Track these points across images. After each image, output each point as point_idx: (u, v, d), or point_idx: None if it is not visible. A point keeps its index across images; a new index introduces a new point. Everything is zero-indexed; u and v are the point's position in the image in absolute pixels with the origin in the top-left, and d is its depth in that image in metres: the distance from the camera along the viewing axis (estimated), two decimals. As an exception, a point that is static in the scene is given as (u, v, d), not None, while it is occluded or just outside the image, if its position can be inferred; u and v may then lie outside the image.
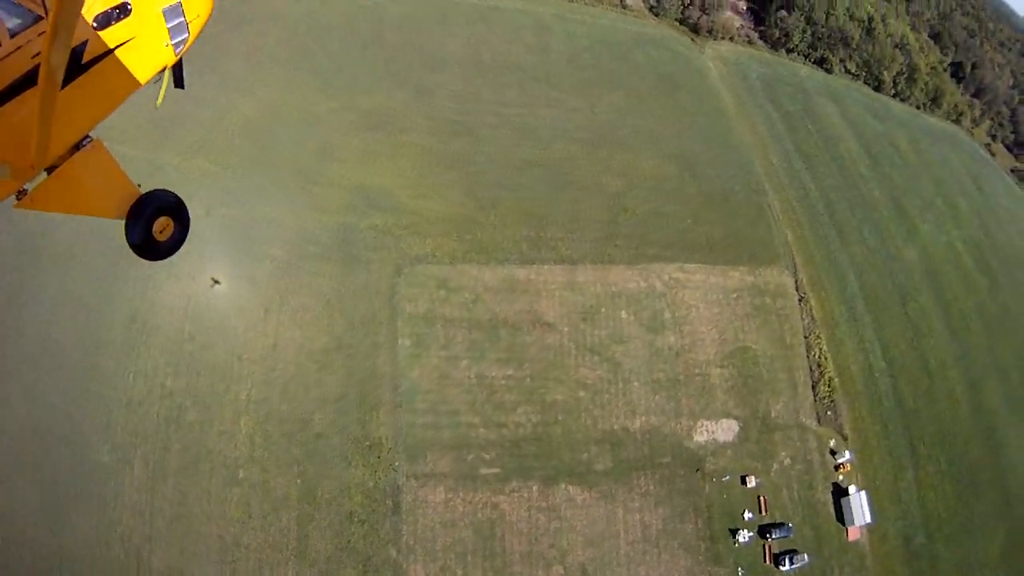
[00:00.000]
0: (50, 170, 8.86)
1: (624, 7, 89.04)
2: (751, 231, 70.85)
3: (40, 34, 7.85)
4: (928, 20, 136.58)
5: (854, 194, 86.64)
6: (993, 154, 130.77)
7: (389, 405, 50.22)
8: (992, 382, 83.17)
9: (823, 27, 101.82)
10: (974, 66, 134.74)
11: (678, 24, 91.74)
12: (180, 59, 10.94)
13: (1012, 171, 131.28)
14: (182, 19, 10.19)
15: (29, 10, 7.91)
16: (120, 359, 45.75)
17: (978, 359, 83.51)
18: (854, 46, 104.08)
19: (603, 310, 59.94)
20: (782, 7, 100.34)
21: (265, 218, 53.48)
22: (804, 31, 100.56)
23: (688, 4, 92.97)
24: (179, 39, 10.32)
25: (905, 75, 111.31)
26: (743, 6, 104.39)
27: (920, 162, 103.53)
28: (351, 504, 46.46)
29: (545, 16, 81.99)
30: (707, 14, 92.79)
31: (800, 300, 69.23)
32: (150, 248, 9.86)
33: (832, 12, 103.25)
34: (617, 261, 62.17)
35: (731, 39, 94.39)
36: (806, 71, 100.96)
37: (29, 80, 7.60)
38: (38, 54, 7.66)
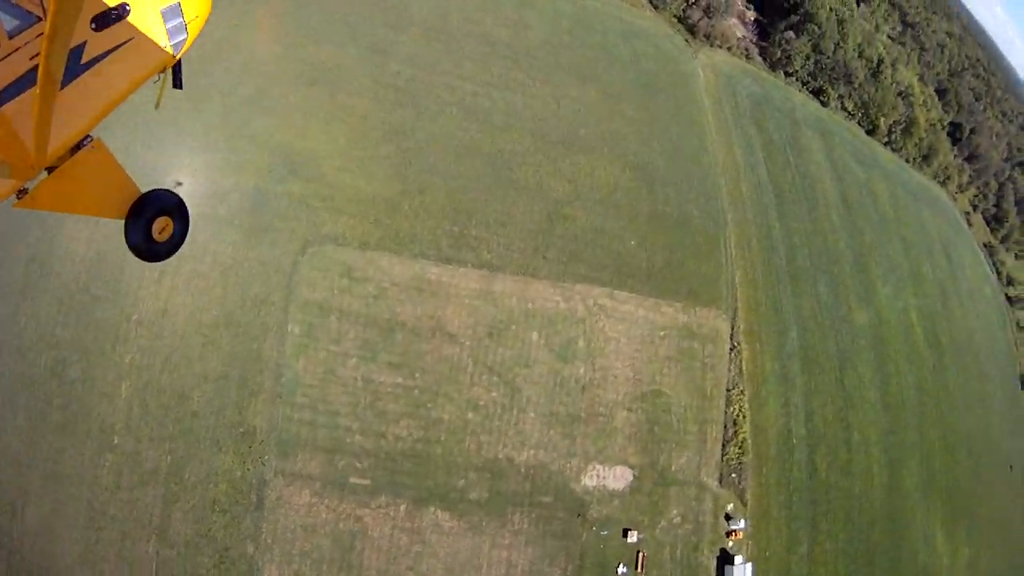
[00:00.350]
0: (50, 169, 8.68)
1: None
2: (698, 265, 64.36)
3: (39, 35, 7.65)
4: (937, 73, 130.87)
5: (819, 242, 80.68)
6: (971, 224, 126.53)
7: (268, 394, 45.17)
8: (913, 464, 79.75)
9: (828, 58, 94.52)
10: (972, 131, 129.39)
11: (676, 21, 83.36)
12: (179, 60, 10.69)
13: (985, 245, 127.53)
14: (181, 20, 9.98)
15: (28, 11, 7.78)
16: (16, 301, 41.76)
17: (904, 438, 79.84)
18: (856, 85, 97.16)
19: (513, 328, 53.26)
20: (791, 27, 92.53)
21: (179, 167, 46.84)
22: (808, 58, 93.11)
23: (692, 3, 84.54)
24: (178, 40, 10.09)
25: (902, 126, 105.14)
26: (751, 16, 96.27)
27: (895, 219, 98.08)
28: (216, 491, 42.90)
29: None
30: (709, 17, 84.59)
31: (732, 350, 63.37)
32: (149, 248, 9.78)
33: (842, 45, 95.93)
34: (542, 275, 55.23)
35: (729, 49, 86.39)
36: (800, 99, 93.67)
37: (29, 80, 7.50)
38: (37, 55, 7.40)
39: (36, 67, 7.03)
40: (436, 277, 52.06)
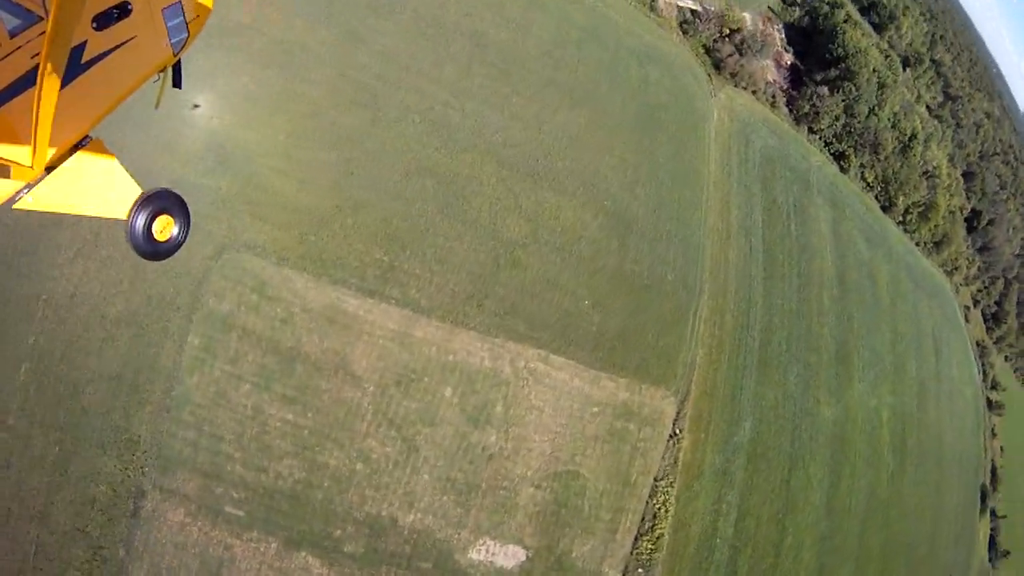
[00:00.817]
0: (51, 169, 8.51)
1: (652, 9, 71.16)
2: (656, 337, 56.96)
3: (40, 34, 7.66)
4: (968, 155, 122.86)
5: (802, 325, 73.04)
6: (968, 320, 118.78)
7: (157, 406, 41.16)
8: (845, 572, 73.73)
9: (859, 122, 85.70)
10: (991, 222, 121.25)
11: (703, 52, 74.36)
12: (179, 59, 10.57)
13: (978, 344, 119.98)
14: (181, 19, 9.87)
15: (29, 10, 7.73)
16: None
17: (841, 545, 73.60)
18: (882, 156, 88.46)
19: (426, 380, 46.25)
20: (827, 82, 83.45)
21: (110, 143, 40.23)
22: (837, 118, 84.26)
23: (726, 35, 75.47)
24: (178, 39, 9.97)
25: (921, 208, 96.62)
26: (788, 60, 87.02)
27: (891, 307, 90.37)
28: (96, 491, 40.21)
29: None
30: (741, 55, 75.59)
31: (671, 436, 56.40)
32: (150, 248, 9.67)
33: (877, 112, 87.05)
34: (471, 326, 47.92)
35: (754, 92, 77.51)
36: (818, 160, 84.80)
37: (29, 80, 7.37)
38: (38, 54, 7.37)
39: (37, 66, 6.66)
40: (353, 310, 45.16)
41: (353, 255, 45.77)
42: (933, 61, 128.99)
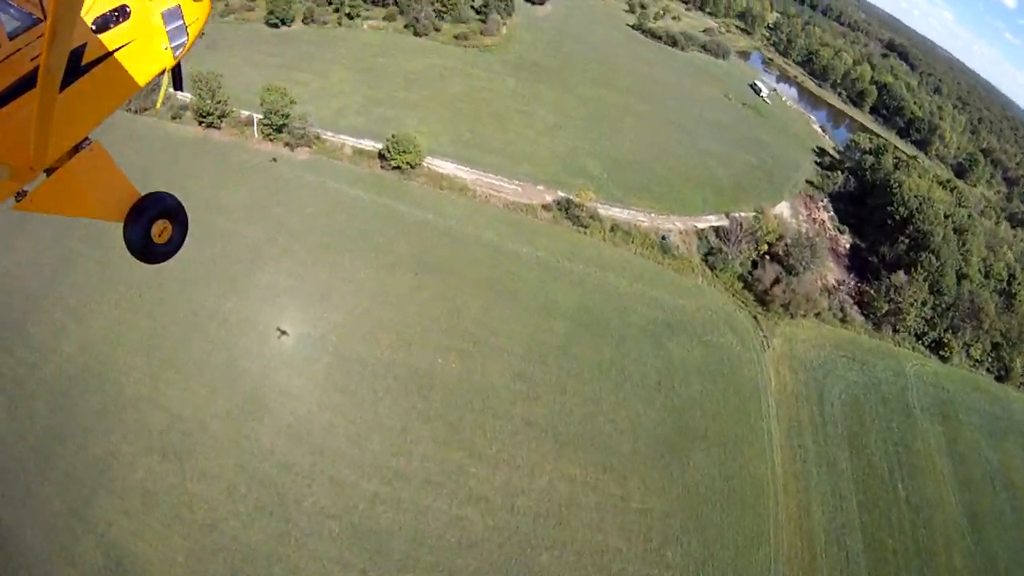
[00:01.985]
0: (49, 172, 7.82)
1: (664, 252, 54.18)
2: None
3: (39, 36, 7.14)
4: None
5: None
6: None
7: None
8: None
9: (947, 295, 64.79)
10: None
11: (740, 287, 56.38)
12: (179, 62, 9.83)
13: None
14: (181, 22, 9.23)
15: (28, 12, 7.22)
16: None
17: None
18: (987, 325, 66.62)
19: None
20: (899, 260, 63.48)
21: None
22: (924, 303, 63.68)
23: (764, 254, 57.34)
24: (178, 42, 9.30)
25: (1040, 355, 73.37)
26: (846, 243, 67.61)
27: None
28: None
29: (544, 254, 49.29)
30: (790, 273, 57.02)
31: None
32: (148, 251, 8.85)
33: (966, 270, 66.04)
34: None
35: (817, 315, 58.38)
36: (914, 367, 63.56)
37: (28, 82, 6.86)
38: (37, 56, 6.95)
39: (36, 68, 6.45)
40: None
41: None
42: (983, 152, 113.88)
